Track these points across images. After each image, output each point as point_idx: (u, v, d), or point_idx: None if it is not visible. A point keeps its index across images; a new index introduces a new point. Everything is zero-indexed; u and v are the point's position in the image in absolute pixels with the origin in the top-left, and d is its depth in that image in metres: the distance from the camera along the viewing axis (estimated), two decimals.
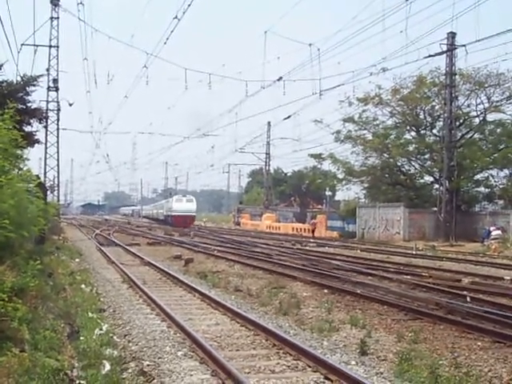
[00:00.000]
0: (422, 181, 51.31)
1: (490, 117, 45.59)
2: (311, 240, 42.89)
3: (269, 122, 72.33)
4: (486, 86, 43.68)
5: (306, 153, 63.81)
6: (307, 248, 34.40)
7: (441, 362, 8.31)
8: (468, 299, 13.66)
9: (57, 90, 42.75)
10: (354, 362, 8.37)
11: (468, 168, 44.13)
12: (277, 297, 14.31)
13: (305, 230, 56.86)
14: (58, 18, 42.45)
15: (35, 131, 23.95)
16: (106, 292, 15.22)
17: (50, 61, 42.41)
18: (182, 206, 68.99)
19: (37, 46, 39.08)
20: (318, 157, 56.92)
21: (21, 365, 6.12)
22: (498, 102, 44.39)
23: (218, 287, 16.44)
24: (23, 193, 10.77)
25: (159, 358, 8.45)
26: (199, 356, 8.45)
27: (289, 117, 47.43)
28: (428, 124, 48.76)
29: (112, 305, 13.19)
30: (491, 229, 35.34)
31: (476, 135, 46.62)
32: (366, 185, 53.39)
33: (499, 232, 34.74)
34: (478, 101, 45.18)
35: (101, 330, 9.71)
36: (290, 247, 34.30)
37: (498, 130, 45.32)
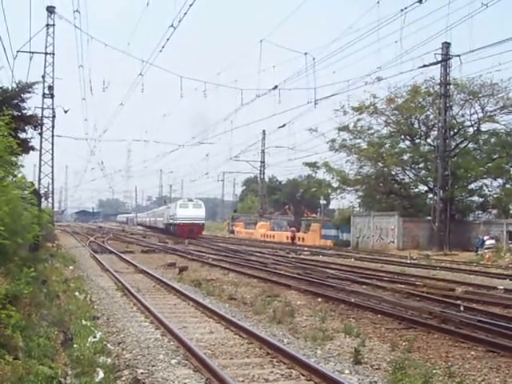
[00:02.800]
0: (416, 190, 51.47)
1: (484, 126, 45.88)
2: (305, 248, 42.88)
3: (264, 131, 72.46)
4: (480, 95, 43.91)
5: (300, 161, 63.68)
6: (302, 256, 34.41)
7: (434, 371, 8.32)
8: (461, 308, 13.69)
9: (52, 96, 42.79)
10: (347, 371, 8.36)
11: (462, 177, 44.29)
12: (271, 305, 14.30)
13: (298, 238, 57.00)
14: (53, 25, 42.59)
15: (30, 138, 23.94)
16: (99, 300, 15.18)
17: (45, 68, 42.50)
18: (188, 212, 58.71)
19: (32, 52, 39.16)
20: (312, 165, 57.01)
21: (14, 372, 6.10)
22: (491, 111, 44.62)
23: (212, 295, 16.42)
24: (18, 200, 10.76)
25: (153, 366, 8.43)
26: (193, 364, 8.44)
27: (284, 125, 47.56)
28: (422, 133, 48.94)
29: (106, 312, 13.16)
30: (485, 238, 35.52)
31: (470, 145, 46.81)
32: (360, 194, 53.51)
33: (493, 241, 34.92)
34: (472, 110, 45.47)
35: (94, 337, 9.68)
36: (284, 256, 34.28)
37: (492, 140, 45.49)
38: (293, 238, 53.92)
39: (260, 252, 36.57)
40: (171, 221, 61.99)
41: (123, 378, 7.78)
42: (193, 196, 60.33)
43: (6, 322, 7.05)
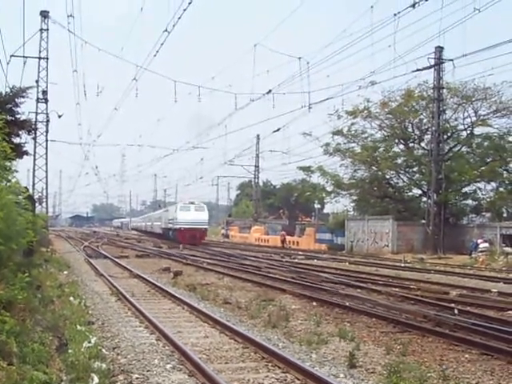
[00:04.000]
0: (410, 194, 51.57)
1: (478, 130, 46.08)
2: (299, 253, 42.93)
3: (258, 135, 72.50)
4: (473, 99, 44.12)
5: (294, 165, 63.84)
6: (296, 261, 34.43)
7: (429, 375, 8.35)
8: (456, 312, 13.73)
9: (46, 101, 42.67)
10: (342, 375, 8.38)
11: (456, 181, 44.43)
12: (266, 309, 14.31)
13: (293, 242, 57.24)
14: (47, 29, 42.46)
15: (24, 143, 23.93)
16: (94, 304, 15.16)
17: (39, 72, 42.37)
18: (190, 215, 53.65)
19: (26, 57, 39.06)
20: (306, 169, 57.10)
21: (9, 378, 6.09)
22: (484, 115, 44.84)
23: (207, 300, 16.41)
24: (12, 205, 10.73)
25: (148, 370, 8.43)
26: (188, 369, 8.44)
27: (278, 130, 47.56)
28: (416, 137, 49.10)
29: (100, 317, 13.14)
30: (479, 241, 35.52)
31: (463, 148, 47.00)
32: (354, 197, 53.58)
33: (487, 244, 34.93)
34: (466, 114, 45.70)
35: (89, 342, 9.66)
36: (278, 260, 34.31)
37: (485, 144, 45.70)
38: (283, 241, 55.17)
39: (255, 256, 36.57)
40: (170, 225, 57.39)
41: (118, 383, 7.78)
42: (187, 201, 57.51)
43: (0, 328, 7.03)
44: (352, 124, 49.09)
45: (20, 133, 22.45)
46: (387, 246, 44.28)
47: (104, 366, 8.38)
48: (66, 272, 23.32)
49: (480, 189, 46.81)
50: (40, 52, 42.54)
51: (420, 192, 49.57)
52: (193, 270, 26.41)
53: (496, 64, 33.73)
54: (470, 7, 26.58)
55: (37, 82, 41.34)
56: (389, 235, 44.21)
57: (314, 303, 15.78)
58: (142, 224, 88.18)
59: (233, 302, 15.92)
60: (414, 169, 49.22)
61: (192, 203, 56.73)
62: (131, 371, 8.36)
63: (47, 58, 42.73)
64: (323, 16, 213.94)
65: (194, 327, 12.08)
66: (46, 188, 44.85)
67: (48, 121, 42.91)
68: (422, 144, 48.63)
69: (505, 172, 45.46)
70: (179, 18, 23.82)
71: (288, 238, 60.19)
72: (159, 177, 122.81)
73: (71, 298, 15.02)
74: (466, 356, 9.73)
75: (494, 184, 46.07)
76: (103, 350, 9.56)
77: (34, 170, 43.48)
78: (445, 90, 42.85)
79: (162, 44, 27.15)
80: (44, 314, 10.97)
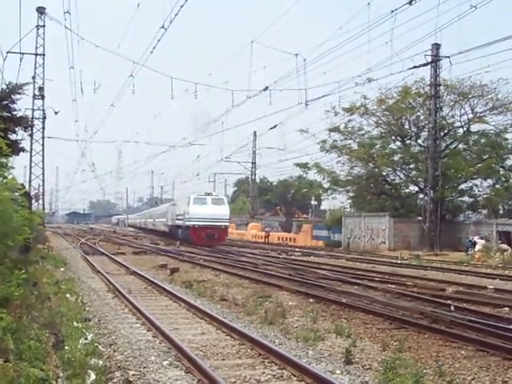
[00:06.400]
0: (407, 190, 51.66)
1: (474, 127, 46.16)
2: (296, 249, 42.97)
3: (255, 132, 72.40)
4: (470, 96, 44.16)
5: (291, 162, 63.69)
6: (293, 257, 34.45)
7: (425, 371, 8.36)
8: (452, 308, 13.76)
9: (42, 98, 42.67)
10: (339, 371, 8.39)
11: (452, 178, 44.52)
12: (262, 306, 14.31)
13: (290, 239, 57.44)
14: (44, 26, 42.52)
15: (20, 139, 23.84)
16: (91, 301, 15.14)
17: (35, 69, 42.42)
18: (207, 210, 43.79)
19: (23, 53, 39.00)
20: (303, 166, 57.08)
21: (5, 375, 6.08)
22: (481, 112, 44.90)
23: (203, 296, 16.42)
24: (8, 202, 10.69)
25: (145, 367, 8.43)
26: (185, 365, 8.44)
27: (275, 126, 47.50)
28: (413, 134, 49.15)
29: (97, 314, 13.13)
30: (475, 238, 35.67)
31: (460, 145, 47.08)
32: (351, 194, 53.65)
33: (483, 241, 35.06)
34: (462, 111, 45.71)
35: (86, 339, 9.66)
36: (275, 256, 34.33)
37: (482, 141, 45.83)
38: (266, 237, 58.06)
39: (251, 253, 36.61)
40: (180, 222, 47.78)
41: (115, 380, 7.77)
42: (202, 191, 48.80)
43: None
44: (349, 121, 49.16)
45: (16, 129, 22.36)
46: (384, 242, 44.35)
47: (101, 362, 8.39)
48: (62, 269, 23.27)
49: (476, 186, 46.99)
50: (36, 48, 42.62)
51: (417, 189, 49.64)
52: (189, 266, 26.41)
53: (492, 61, 33.76)
54: (467, 4, 26.58)
55: (33, 78, 41.37)
56: (385, 232, 44.28)
57: (311, 300, 15.79)
58: (141, 221, 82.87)
59: (229, 298, 15.93)
60: (411, 166, 49.31)
61: (209, 194, 46.92)
62: (128, 368, 8.36)
63: (44, 55, 42.80)
64: (320, 13, 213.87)
65: (190, 324, 12.09)
66: (43, 185, 44.97)
67: (44, 117, 42.99)
68: (419, 141, 48.72)
69: (501, 169, 45.62)
70: (176, 14, 23.82)
71: (286, 234, 60.74)
72: (156, 173, 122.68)
73: (68, 295, 15.00)
74: (462, 352, 9.75)
75: (490, 181, 46.22)
76: (100, 347, 9.56)
77: (30, 167, 43.52)
78: (441, 87, 42.87)
79: (158, 40, 27.18)
80: (41, 311, 10.94)
